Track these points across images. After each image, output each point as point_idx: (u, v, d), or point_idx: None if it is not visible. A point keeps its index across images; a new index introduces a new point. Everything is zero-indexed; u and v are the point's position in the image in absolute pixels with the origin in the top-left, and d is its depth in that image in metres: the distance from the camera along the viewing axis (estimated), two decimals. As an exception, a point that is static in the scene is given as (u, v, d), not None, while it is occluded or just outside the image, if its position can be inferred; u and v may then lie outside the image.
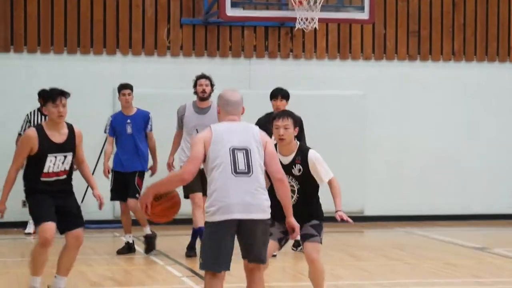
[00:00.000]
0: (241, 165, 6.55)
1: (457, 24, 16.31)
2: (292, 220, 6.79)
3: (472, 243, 13.06)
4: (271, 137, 7.07)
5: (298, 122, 7.73)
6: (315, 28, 14.04)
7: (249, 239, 6.59)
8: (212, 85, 11.78)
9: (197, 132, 10.63)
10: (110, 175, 12.01)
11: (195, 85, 11.78)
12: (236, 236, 6.58)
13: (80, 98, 14.30)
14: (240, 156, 6.57)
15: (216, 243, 6.52)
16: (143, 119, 12.17)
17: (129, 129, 12.02)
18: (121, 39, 15.32)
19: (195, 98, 11.85)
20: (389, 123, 15.99)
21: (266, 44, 15.79)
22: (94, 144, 14.13)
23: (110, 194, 12.00)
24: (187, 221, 14.23)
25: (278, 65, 15.76)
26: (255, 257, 6.64)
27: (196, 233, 11.41)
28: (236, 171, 6.52)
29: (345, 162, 15.01)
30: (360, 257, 11.75)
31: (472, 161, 16.19)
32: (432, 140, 16.11)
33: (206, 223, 6.61)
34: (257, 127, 6.83)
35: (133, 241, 12.03)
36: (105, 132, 12.38)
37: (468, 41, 16.36)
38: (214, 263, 6.55)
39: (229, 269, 6.60)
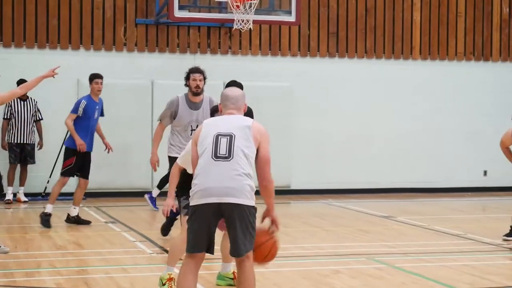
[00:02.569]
0: (222, 150, 5.73)
1: (369, 26, 16.38)
2: (274, 214, 5.97)
3: (380, 212, 13.19)
4: None
5: (249, 113, 7.20)
6: (250, 29, 13.99)
7: (230, 228, 5.72)
8: (205, 79, 9.80)
9: (192, 129, 9.64)
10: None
11: (187, 78, 9.76)
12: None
13: (48, 87, 14.11)
14: (223, 142, 5.75)
15: (193, 226, 5.77)
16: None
17: (96, 114, 11.63)
18: (84, 36, 15.10)
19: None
20: (312, 110, 16.02)
21: (208, 42, 15.69)
22: (61, 128, 13.93)
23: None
24: (139, 194, 14.26)
25: (218, 60, 15.68)
26: (234, 250, 5.73)
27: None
28: (216, 156, 5.73)
29: (275, 143, 14.87)
30: (286, 224, 11.76)
31: (380, 142, 16.33)
32: (349, 124, 16.20)
33: (189, 206, 5.86)
34: (255, 122, 5.96)
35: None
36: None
37: (378, 41, 16.45)
38: (189, 244, 5.81)
39: (208, 252, 5.83)
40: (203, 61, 15.53)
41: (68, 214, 11.48)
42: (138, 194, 14.55)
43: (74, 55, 15.03)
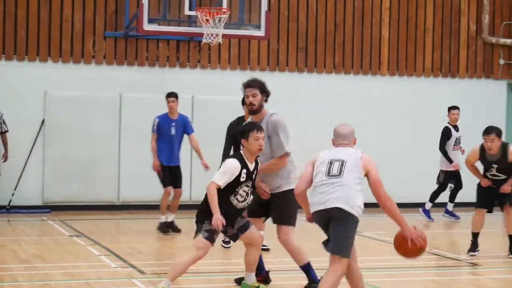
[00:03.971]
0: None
1: (338, 42, 16.42)
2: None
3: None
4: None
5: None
6: (219, 43, 13.94)
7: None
8: (264, 93, 8.08)
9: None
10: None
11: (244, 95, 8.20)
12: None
13: (15, 99, 13.99)
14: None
15: None
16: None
17: (173, 131, 12.29)
18: (53, 48, 14.96)
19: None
20: (280, 124, 15.97)
21: (177, 55, 15.63)
22: (28, 139, 13.83)
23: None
24: (105, 207, 14.13)
25: (187, 74, 15.62)
26: None
27: None
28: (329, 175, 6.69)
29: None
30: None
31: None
32: (317, 139, 16.07)
33: None
34: (361, 152, 7.04)
35: (173, 220, 12.32)
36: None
37: (347, 56, 16.49)
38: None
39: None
40: (172, 74, 15.53)
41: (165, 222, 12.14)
42: (104, 208, 14.43)
43: (42, 67, 14.88)
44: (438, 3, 16.98)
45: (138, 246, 10.81)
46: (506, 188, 10.40)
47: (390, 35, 16.70)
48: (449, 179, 14.74)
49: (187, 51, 15.66)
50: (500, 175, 10.42)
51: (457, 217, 14.73)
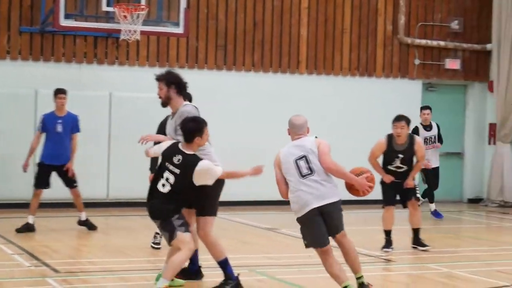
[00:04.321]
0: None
1: (257, 40, 16.50)
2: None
3: (264, 224, 13.26)
4: None
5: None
6: (138, 40, 13.86)
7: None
8: (172, 84, 8.13)
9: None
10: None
11: None
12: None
13: None
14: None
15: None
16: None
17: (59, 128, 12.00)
18: (-35, 43, 14.67)
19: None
20: (199, 121, 15.96)
21: (95, 51, 15.46)
22: None
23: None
24: (20, 205, 13.90)
25: (105, 71, 15.46)
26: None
27: None
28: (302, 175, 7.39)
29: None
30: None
31: (266, 155, 16.32)
32: (235, 137, 16.22)
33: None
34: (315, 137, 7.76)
35: (33, 222, 11.82)
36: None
37: (266, 55, 16.58)
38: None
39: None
40: (89, 71, 15.36)
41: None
42: (18, 206, 14.18)
43: (-45, 62, 14.56)
44: (355, 3, 17.23)
45: (53, 245, 10.68)
46: (409, 183, 10.78)
47: (308, 34, 16.86)
48: (429, 175, 14.82)
49: (105, 47, 15.51)
50: (403, 166, 10.75)
51: (442, 216, 14.90)
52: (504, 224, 14.95)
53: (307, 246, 7.55)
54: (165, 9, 14.63)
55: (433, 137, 14.82)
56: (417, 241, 10.99)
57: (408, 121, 10.77)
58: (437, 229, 13.56)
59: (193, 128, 7.52)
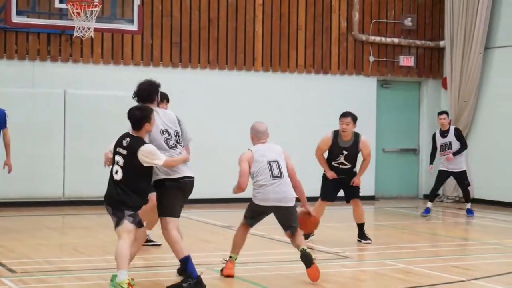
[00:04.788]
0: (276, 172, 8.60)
1: (212, 37, 16.51)
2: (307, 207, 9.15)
3: (221, 222, 13.28)
4: None
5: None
6: (92, 37, 13.75)
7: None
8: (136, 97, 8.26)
9: None
10: None
11: None
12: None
13: None
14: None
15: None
16: None
17: None
18: None
19: None
20: (154, 119, 15.91)
21: (48, 49, 15.34)
22: None
23: None
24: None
25: (59, 68, 15.36)
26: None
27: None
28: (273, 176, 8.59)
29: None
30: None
31: (223, 152, 16.39)
32: (191, 133, 16.17)
33: None
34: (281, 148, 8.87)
35: None
36: None
37: (221, 52, 16.60)
38: None
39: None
40: (43, 68, 15.23)
41: None
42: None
43: None
44: (309, 0, 17.33)
45: (9, 244, 10.58)
46: (357, 181, 10.95)
47: (263, 31, 16.92)
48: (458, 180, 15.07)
49: (59, 44, 15.40)
50: (346, 163, 10.92)
51: (473, 214, 15.06)
52: (459, 220, 15.16)
53: (245, 217, 9.00)
54: (119, 6, 14.54)
55: (448, 143, 14.82)
56: (361, 235, 11.19)
57: (354, 118, 11.03)
58: (395, 225, 13.71)
59: (141, 115, 7.71)
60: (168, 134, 7.96)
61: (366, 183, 17.44)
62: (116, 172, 7.64)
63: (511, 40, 17.11)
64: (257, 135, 8.99)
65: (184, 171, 7.94)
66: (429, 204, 15.05)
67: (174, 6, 16.19)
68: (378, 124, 17.93)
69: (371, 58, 17.92)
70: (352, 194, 11.14)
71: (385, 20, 18.09)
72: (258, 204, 8.68)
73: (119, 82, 15.52)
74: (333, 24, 17.56)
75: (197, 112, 16.28)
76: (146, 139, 7.78)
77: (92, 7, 13.33)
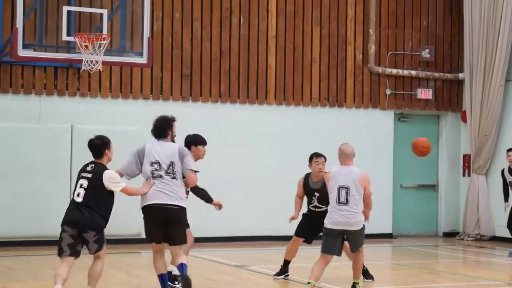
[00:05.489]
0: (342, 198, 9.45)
1: (224, 70, 16.37)
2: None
3: (233, 262, 13.02)
4: None
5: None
6: (100, 70, 13.63)
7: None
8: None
9: None
10: None
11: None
12: None
13: None
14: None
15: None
16: None
17: None
18: None
19: None
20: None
21: (55, 82, 15.23)
22: None
23: None
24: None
25: (66, 102, 15.24)
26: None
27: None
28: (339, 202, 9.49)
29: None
30: (136, 275, 11.45)
31: (235, 189, 16.16)
32: (201, 170, 15.94)
33: None
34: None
35: None
36: None
37: (233, 85, 16.45)
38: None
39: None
40: (49, 102, 15.11)
41: None
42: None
43: None
44: (324, 32, 17.18)
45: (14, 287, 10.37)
46: None
47: (277, 63, 16.77)
48: None
49: (66, 78, 15.29)
50: (321, 206, 10.79)
51: None
52: (480, 259, 14.83)
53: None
54: (128, 38, 14.43)
55: None
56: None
57: (325, 158, 11.18)
58: (413, 264, 13.41)
59: (100, 143, 8.84)
60: (159, 165, 8.77)
61: (383, 220, 17.32)
62: (78, 194, 8.48)
63: (532, 72, 16.90)
64: (340, 158, 9.82)
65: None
66: None
67: (185, 38, 16.08)
68: (395, 159, 17.67)
69: (388, 91, 17.72)
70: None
71: (402, 52, 17.92)
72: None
73: (128, 117, 15.39)
74: (348, 56, 17.40)
75: (208, 147, 16.03)
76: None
77: (100, 40, 13.22)
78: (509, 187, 14.66)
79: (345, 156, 9.73)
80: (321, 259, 9.54)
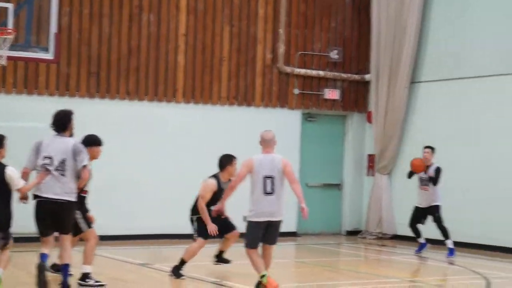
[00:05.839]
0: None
1: (132, 67, 16.36)
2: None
3: (137, 260, 13.06)
4: None
5: None
6: (4, 65, 13.49)
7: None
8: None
9: None
10: None
11: None
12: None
13: None
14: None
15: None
16: None
17: None
18: None
19: None
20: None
21: (-42, 77, 14.99)
22: None
23: None
24: None
25: (-33, 98, 15.02)
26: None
27: None
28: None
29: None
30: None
31: (140, 186, 16.19)
32: (108, 167, 15.91)
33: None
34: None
35: None
36: None
37: (141, 83, 16.45)
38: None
39: None
40: (-49, 97, 14.85)
41: None
42: None
43: None
44: (235, 31, 17.35)
45: None
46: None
47: (186, 62, 16.84)
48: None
49: (-31, 73, 15.06)
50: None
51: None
52: (381, 257, 15.23)
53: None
54: (34, 33, 14.32)
55: (427, 178, 14.89)
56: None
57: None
58: (316, 262, 13.69)
59: None
60: (50, 160, 9.22)
61: (288, 218, 17.44)
62: None
63: (436, 75, 17.39)
64: (262, 144, 9.92)
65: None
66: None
67: (93, 34, 16.01)
68: (302, 158, 17.96)
69: (296, 91, 18.00)
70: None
71: (311, 52, 18.23)
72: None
73: (33, 113, 15.22)
74: (258, 55, 17.60)
75: (114, 145, 16.01)
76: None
77: (5, 34, 13.10)
78: (419, 183, 15.00)
79: (265, 143, 9.84)
80: (253, 253, 9.61)
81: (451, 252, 14.57)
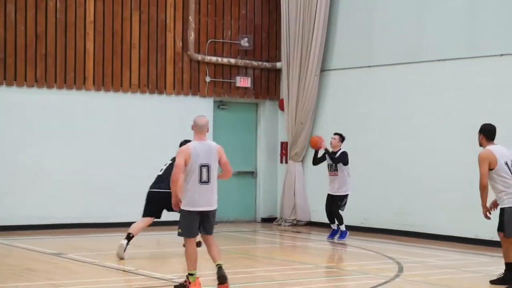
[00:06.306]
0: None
1: (39, 54, 16.04)
2: None
3: (50, 250, 12.86)
4: None
5: None
6: None
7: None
8: None
9: None
10: None
11: None
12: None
13: None
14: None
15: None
16: None
17: None
18: None
19: None
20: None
21: None
22: None
23: None
24: None
25: None
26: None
27: None
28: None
29: None
30: None
31: (56, 174, 15.95)
32: (16, 156, 15.66)
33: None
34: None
35: None
36: None
37: (49, 70, 16.15)
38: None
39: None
40: None
41: None
42: None
43: None
44: (143, 18, 17.19)
45: None
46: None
47: (95, 49, 16.61)
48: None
49: None
50: None
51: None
52: (296, 243, 15.35)
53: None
54: None
55: (334, 165, 15.04)
56: None
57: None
58: (232, 250, 13.71)
59: None
60: None
61: (202, 207, 17.53)
62: None
63: (346, 63, 17.61)
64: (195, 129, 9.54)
65: None
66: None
67: (-2, 20, 15.65)
68: (214, 147, 17.92)
69: (207, 79, 17.97)
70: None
71: (222, 40, 18.21)
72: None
73: None
74: (168, 43, 17.49)
75: (21, 133, 15.74)
76: None
77: None
78: (328, 169, 15.19)
79: (198, 128, 9.51)
80: (191, 244, 9.39)
81: (342, 235, 15.08)
